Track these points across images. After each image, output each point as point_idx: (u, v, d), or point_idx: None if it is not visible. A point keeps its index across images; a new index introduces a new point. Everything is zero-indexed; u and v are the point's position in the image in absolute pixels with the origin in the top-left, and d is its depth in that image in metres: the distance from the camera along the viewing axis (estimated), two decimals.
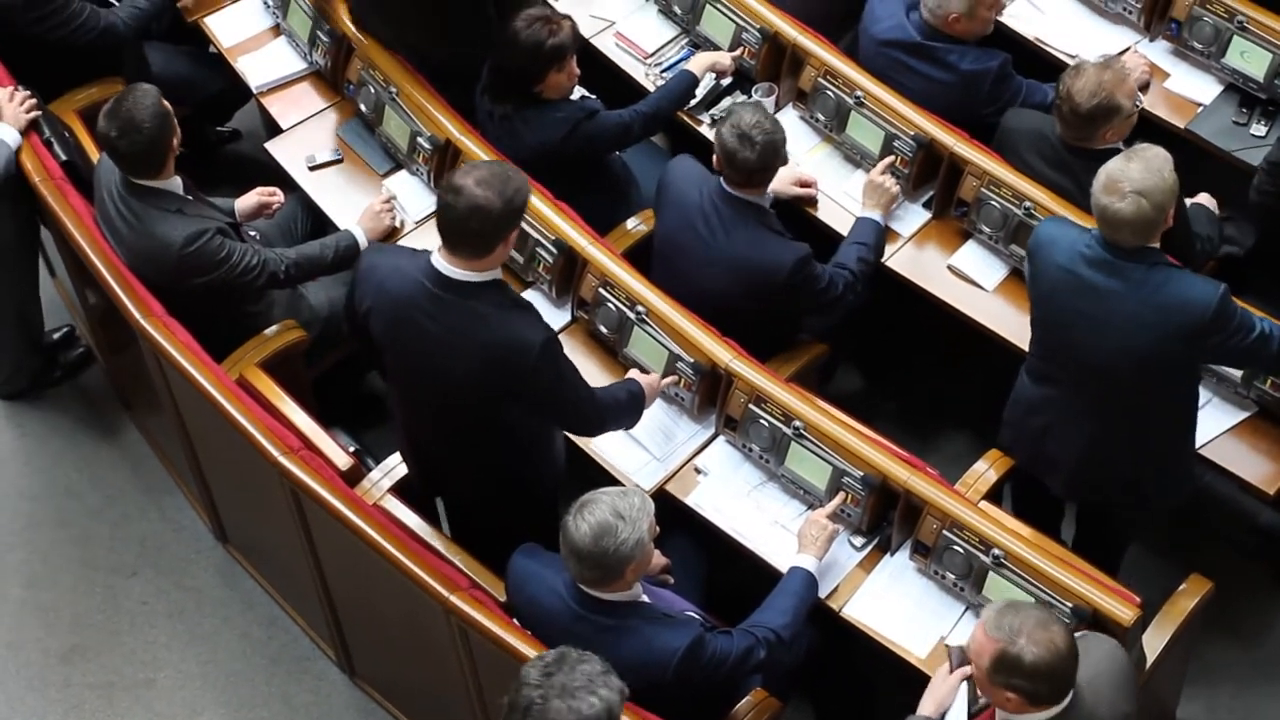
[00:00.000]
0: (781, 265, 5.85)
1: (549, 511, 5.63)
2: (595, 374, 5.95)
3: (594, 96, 6.59)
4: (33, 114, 6.43)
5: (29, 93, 6.48)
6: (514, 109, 6.39)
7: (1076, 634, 4.53)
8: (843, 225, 6.30)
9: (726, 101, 6.72)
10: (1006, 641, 4.30)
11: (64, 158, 6.45)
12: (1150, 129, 6.52)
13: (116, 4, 6.86)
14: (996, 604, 4.43)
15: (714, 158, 5.89)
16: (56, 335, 7.18)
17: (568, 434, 5.68)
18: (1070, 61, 6.08)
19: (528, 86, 6.33)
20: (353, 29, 6.73)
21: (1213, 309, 5.14)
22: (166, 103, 5.90)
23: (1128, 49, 6.74)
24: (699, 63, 6.69)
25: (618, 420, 5.61)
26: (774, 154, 5.82)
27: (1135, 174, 5.09)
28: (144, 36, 7.05)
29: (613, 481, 5.66)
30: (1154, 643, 5.32)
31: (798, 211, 6.44)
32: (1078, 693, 4.40)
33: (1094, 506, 5.84)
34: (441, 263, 5.13)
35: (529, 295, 6.12)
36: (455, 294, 5.13)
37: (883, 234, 6.23)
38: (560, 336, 5.96)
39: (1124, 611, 5.04)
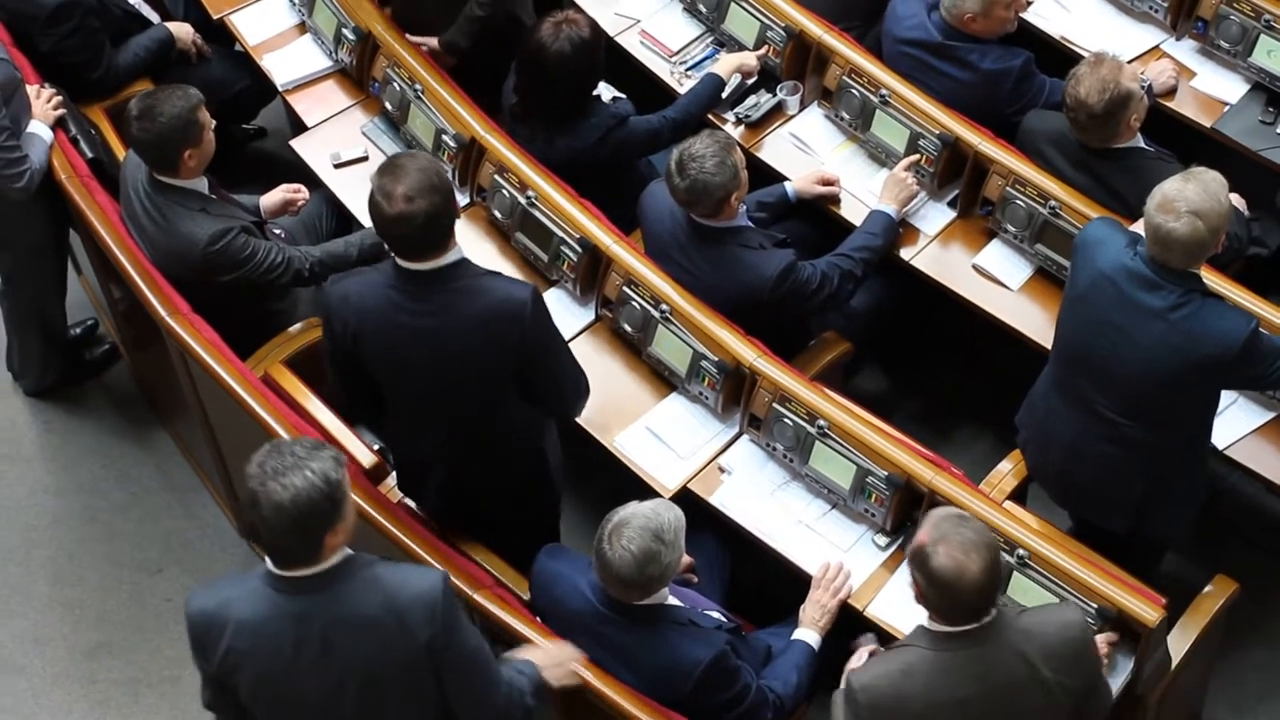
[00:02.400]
0: (764, 281, 5.84)
1: (554, 507, 5.74)
2: (620, 372, 5.97)
3: (624, 96, 6.60)
4: (59, 111, 6.45)
5: (55, 90, 6.51)
6: (547, 116, 6.40)
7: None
8: None
9: (751, 99, 6.72)
10: (930, 539, 4.31)
11: (90, 155, 6.47)
12: (1176, 128, 6.51)
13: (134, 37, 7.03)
14: (957, 512, 4.43)
15: None
16: (78, 329, 7.22)
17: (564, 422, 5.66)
18: None
19: (589, 90, 6.36)
20: (378, 26, 6.74)
21: (1240, 344, 5.09)
22: (203, 115, 5.87)
23: (1154, 48, 6.74)
24: (725, 65, 6.69)
25: (585, 386, 5.53)
26: (703, 191, 5.73)
27: (1192, 195, 5.02)
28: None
29: (637, 480, 5.68)
30: (1179, 644, 5.31)
31: (819, 208, 6.44)
32: (994, 634, 4.38)
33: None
34: (407, 265, 5.08)
35: (554, 293, 6.13)
36: (431, 283, 5.07)
37: (894, 228, 6.22)
38: (584, 335, 6.01)
39: (1148, 612, 5.03)
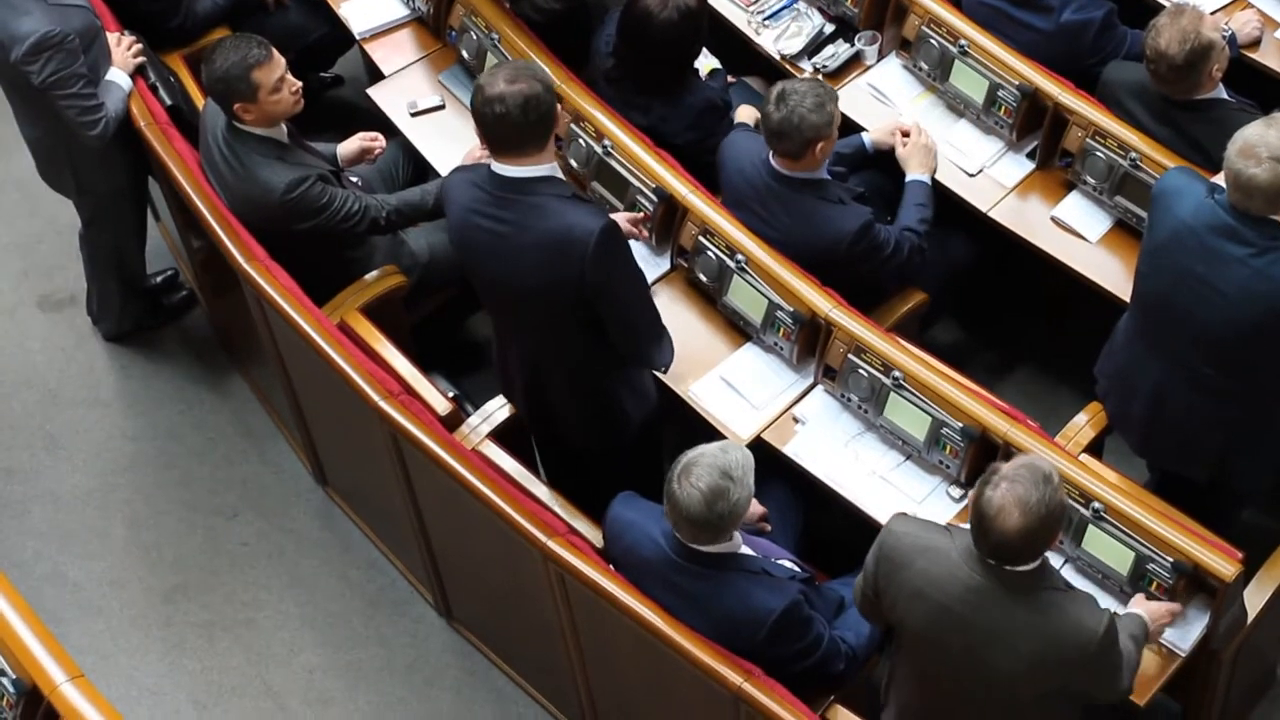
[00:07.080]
0: (842, 236, 5.82)
1: (650, 446, 5.77)
2: (695, 322, 5.97)
3: (721, 68, 6.57)
4: (139, 59, 6.48)
5: (135, 37, 6.54)
6: (643, 83, 6.38)
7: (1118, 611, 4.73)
8: (944, 175, 6.26)
9: (829, 49, 6.68)
10: (1005, 472, 4.37)
11: (169, 102, 6.50)
12: (1262, 80, 6.43)
13: None
14: (1051, 471, 4.39)
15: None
16: (159, 279, 7.27)
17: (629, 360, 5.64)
18: None
19: (690, 61, 6.34)
20: None
21: None
22: (258, 75, 5.79)
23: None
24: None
25: (666, 340, 5.57)
26: (795, 127, 5.65)
27: (1274, 140, 4.98)
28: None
29: (711, 430, 5.68)
30: (1256, 598, 5.27)
31: (894, 161, 6.41)
32: (1017, 585, 4.41)
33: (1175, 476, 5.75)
34: (499, 166, 5.20)
35: (629, 244, 6.13)
36: (514, 191, 5.18)
37: (933, 193, 6.19)
38: (659, 285, 6.00)
39: (1225, 567, 5.00)
